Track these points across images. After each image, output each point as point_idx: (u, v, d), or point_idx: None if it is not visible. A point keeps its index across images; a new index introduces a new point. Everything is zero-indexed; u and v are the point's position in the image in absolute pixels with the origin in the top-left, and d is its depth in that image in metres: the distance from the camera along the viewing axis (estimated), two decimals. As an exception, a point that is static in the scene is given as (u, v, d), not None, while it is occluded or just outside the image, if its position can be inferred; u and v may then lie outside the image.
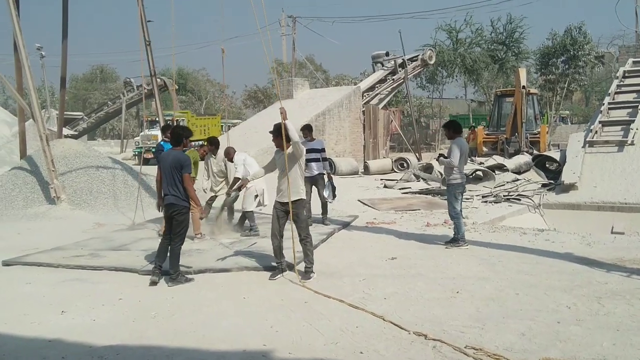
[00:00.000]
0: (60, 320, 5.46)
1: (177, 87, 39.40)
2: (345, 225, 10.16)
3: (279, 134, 6.58)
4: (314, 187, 9.99)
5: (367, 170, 20.77)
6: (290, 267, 6.87)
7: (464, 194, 8.93)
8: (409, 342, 4.62)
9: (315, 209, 10.32)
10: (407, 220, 10.68)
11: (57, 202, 12.28)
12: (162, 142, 9.96)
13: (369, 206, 12.82)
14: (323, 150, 10.01)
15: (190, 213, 7.41)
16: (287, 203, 6.57)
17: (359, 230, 9.79)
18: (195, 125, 35.30)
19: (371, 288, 6.14)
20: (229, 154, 10.11)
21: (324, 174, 10.01)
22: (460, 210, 8.29)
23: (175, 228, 6.58)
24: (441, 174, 17.10)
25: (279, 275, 6.72)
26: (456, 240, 8.14)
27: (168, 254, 6.67)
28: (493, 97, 25.42)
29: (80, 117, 37.84)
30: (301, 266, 6.85)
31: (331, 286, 6.26)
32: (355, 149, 23.04)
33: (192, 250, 8.08)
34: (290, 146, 6.56)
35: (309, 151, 8.98)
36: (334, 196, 9.95)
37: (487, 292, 5.91)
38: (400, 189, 15.64)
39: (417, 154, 25.41)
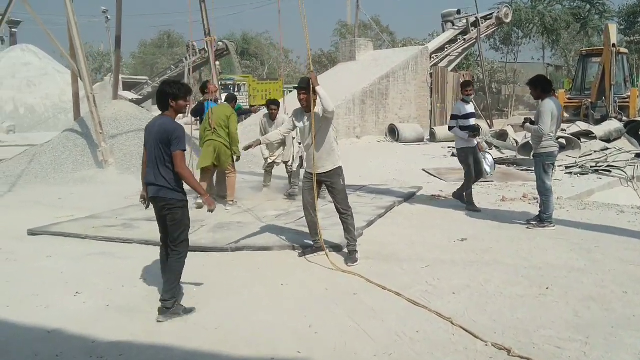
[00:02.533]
0: (70, 303, 4.71)
1: (237, 49, 38.76)
2: (407, 197, 9.01)
3: (310, 89, 5.50)
4: (471, 160, 8.13)
5: (433, 138, 19.32)
6: (317, 248, 5.92)
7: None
8: (487, 357, 3.52)
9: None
10: (478, 194, 9.37)
11: (105, 166, 11.76)
12: (203, 101, 9.20)
13: (434, 176, 11.56)
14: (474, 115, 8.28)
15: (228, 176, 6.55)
16: (325, 173, 5.65)
17: (422, 203, 8.63)
18: (257, 90, 34.68)
19: (436, 278, 5.03)
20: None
21: (479, 143, 8.29)
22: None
23: (171, 232, 4.47)
24: (516, 142, 15.53)
25: (310, 255, 5.81)
26: (541, 219, 6.85)
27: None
28: (577, 57, 23.06)
29: (145, 81, 37.91)
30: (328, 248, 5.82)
31: (387, 273, 5.21)
32: (421, 115, 21.56)
33: (233, 223, 7.21)
34: (318, 106, 5.51)
35: (469, 116, 7.86)
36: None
37: (585, 289, 4.68)
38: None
39: (488, 121, 23.62)
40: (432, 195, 9.23)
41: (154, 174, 4.39)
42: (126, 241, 6.59)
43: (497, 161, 13.30)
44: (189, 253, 4.96)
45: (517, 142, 15.40)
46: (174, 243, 4.50)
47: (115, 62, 16.23)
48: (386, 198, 8.79)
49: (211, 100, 9.17)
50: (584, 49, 22.91)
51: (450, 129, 8.20)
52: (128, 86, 37.39)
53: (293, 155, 9.18)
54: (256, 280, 5.14)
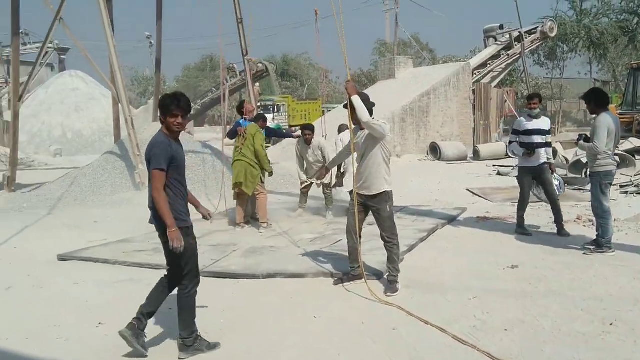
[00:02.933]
0: (91, 335, 4.45)
1: (276, 69, 38.90)
2: (451, 219, 8.52)
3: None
4: (528, 181, 7.59)
5: (476, 156, 18.71)
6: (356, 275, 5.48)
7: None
8: (547, 410, 3.04)
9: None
10: (528, 215, 8.78)
11: (142, 188, 11.67)
12: (239, 121, 9.00)
13: (479, 196, 11.00)
14: (549, 132, 7.47)
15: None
16: (369, 196, 5.18)
17: (467, 226, 8.12)
18: (296, 110, 34.66)
19: (486, 311, 4.55)
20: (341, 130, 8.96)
21: (550, 164, 7.55)
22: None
23: (169, 263, 4.12)
24: (566, 159, 14.78)
25: (347, 283, 5.38)
26: (599, 244, 6.27)
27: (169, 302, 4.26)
28: (627, 71, 22.08)
29: (186, 103, 38.39)
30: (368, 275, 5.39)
31: (430, 305, 4.76)
32: (463, 132, 20.95)
33: (265, 247, 6.88)
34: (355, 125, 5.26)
35: (531, 132, 7.25)
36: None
37: (656, 326, 4.13)
38: (516, 176, 13.55)
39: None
40: (478, 217, 8.70)
41: (149, 197, 3.96)
42: (155, 267, 6.32)
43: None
44: (219, 280, 4.67)
45: (567, 160, 14.65)
46: (176, 276, 4.07)
47: (155, 84, 16.32)
48: (428, 220, 8.32)
49: (246, 120, 8.97)
50: (634, 62, 21.88)
51: (509, 144, 7.67)
52: (170, 109, 37.92)
53: (332, 178, 8.85)
54: (287, 312, 4.78)
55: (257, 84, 31.48)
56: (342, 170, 8.83)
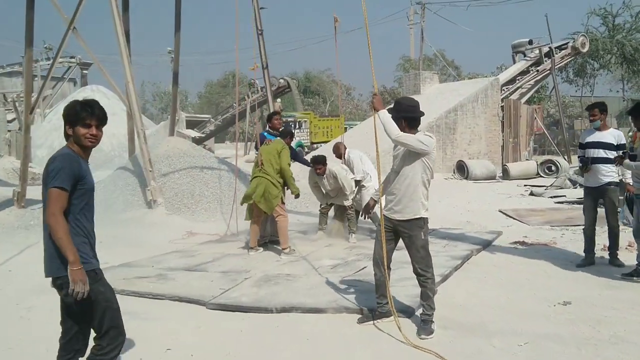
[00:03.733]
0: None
1: (298, 85, 38.49)
2: (486, 244, 7.73)
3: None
4: (589, 203, 6.63)
5: (506, 175, 17.84)
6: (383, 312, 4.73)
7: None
8: None
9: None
10: (570, 240, 7.99)
11: (154, 206, 11.08)
12: (263, 133, 8.38)
13: (514, 219, 10.18)
14: (620, 146, 6.30)
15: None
16: (401, 221, 4.44)
17: (504, 252, 7.32)
18: (318, 127, 34.14)
19: (542, 363, 3.77)
20: (338, 150, 8.38)
21: (616, 184, 6.46)
22: None
23: (77, 321, 3.18)
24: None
25: (373, 321, 4.64)
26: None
27: None
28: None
29: (208, 119, 38.19)
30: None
31: (473, 352, 3.99)
32: (491, 150, 20.07)
33: (281, 275, 6.15)
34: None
35: (590, 145, 6.40)
36: None
37: None
38: (552, 197, 12.71)
39: (565, 156, 21.82)
40: (516, 242, 7.89)
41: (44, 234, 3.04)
42: (156, 297, 5.66)
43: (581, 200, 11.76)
44: (227, 314, 3.89)
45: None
46: (99, 336, 3.12)
47: (173, 98, 15.83)
48: (461, 245, 7.54)
49: (270, 133, 8.35)
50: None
51: (578, 158, 6.86)
52: (192, 124, 37.77)
53: (355, 200, 8.16)
54: (300, 357, 4.05)
55: (279, 100, 31.07)
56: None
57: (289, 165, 7.57)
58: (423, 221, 4.43)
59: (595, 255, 6.58)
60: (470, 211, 11.20)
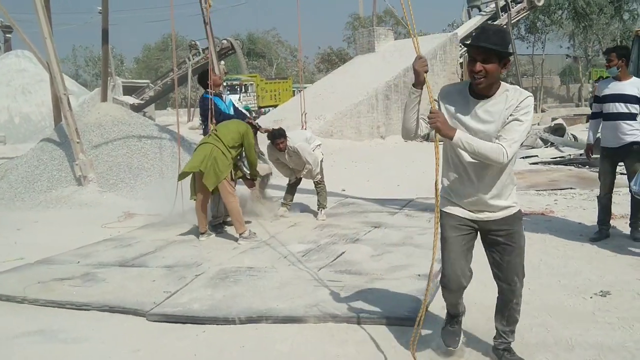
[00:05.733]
0: None
1: (242, 47, 36.59)
2: (476, 216, 6.68)
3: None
4: (607, 166, 5.52)
5: (468, 135, 16.99)
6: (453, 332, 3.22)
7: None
8: None
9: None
10: (568, 208, 7.07)
11: (84, 182, 9.55)
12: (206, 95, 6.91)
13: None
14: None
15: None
16: (487, 221, 2.95)
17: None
18: (265, 90, 32.53)
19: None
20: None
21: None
22: None
23: None
24: (574, 137, 13.17)
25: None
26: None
27: None
28: (632, 39, 20.55)
29: (146, 84, 35.84)
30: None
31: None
32: (451, 110, 19.13)
33: (242, 270, 4.90)
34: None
35: (614, 98, 5.23)
36: None
37: None
38: (523, 157, 11.87)
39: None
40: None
41: None
42: (81, 307, 4.33)
43: (561, 161, 10.99)
44: (174, 327, 2.66)
45: (575, 138, 13.05)
46: None
47: (103, 58, 13.98)
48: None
49: (216, 94, 6.96)
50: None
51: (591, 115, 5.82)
52: (129, 90, 35.38)
53: (322, 172, 6.97)
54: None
55: (222, 62, 29.20)
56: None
57: (255, 152, 6.35)
58: (521, 212, 3.02)
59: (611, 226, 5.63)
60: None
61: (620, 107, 5.21)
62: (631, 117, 5.18)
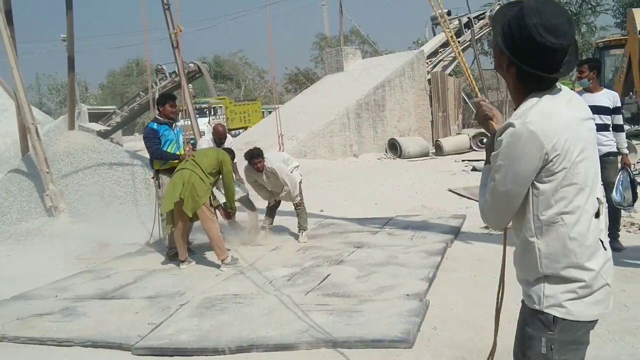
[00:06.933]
0: None
1: (209, 69, 36.40)
2: (456, 232, 6.74)
3: None
4: None
5: (439, 151, 17.23)
6: None
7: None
8: None
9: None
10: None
11: (55, 213, 9.29)
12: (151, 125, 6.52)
13: (469, 198, 9.31)
14: (616, 110, 5.37)
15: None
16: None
17: (479, 240, 6.35)
18: (235, 112, 32.46)
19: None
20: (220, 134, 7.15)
21: (616, 154, 5.45)
22: None
23: None
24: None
25: None
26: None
27: None
28: (593, 50, 21.17)
29: (112, 110, 35.38)
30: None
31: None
32: (421, 126, 19.35)
33: (227, 297, 4.81)
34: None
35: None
36: (635, 200, 5.28)
37: None
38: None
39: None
40: (487, 227, 6.96)
41: None
42: (63, 342, 4.18)
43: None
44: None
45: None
46: None
47: (69, 86, 13.77)
48: (430, 236, 6.51)
49: (160, 122, 6.47)
50: (600, 40, 20.92)
51: None
52: (95, 117, 34.91)
53: (301, 193, 6.93)
54: None
55: (190, 86, 29.01)
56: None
57: (232, 180, 6.26)
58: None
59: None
60: (418, 193, 10.27)
61: (595, 119, 5.31)
62: (605, 128, 5.29)
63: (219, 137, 7.51)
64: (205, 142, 7.60)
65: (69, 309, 4.85)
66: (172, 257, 6.30)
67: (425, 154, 16.98)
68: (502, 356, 3.36)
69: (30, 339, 4.28)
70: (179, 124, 7.53)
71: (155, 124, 6.43)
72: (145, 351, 3.91)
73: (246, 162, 6.74)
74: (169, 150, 6.39)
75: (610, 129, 5.32)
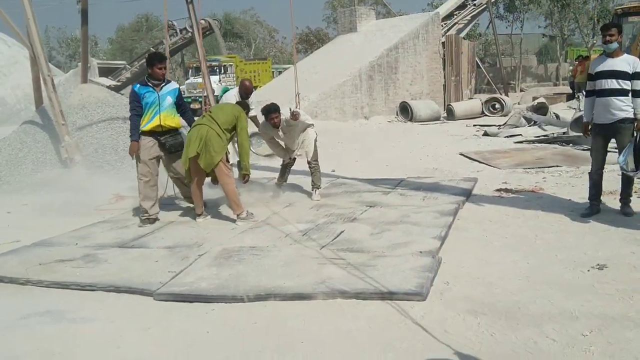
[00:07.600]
0: None
1: (220, 27, 35.97)
2: (467, 195, 6.81)
3: None
4: (599, 143, 5.61)
5: (450, 115, 17.16)
6: None
7: None
8: None
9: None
10: (557, 185, 7.23)
11: (70, 164, 9.44)
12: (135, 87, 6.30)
13: (479, 162, 9.36)
14: (635, 75, 5.23)
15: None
16: None
17: (491, 202, 6.44)
18: (245, 71, 32.19)
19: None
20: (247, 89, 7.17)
21: (632, 120, 5.34)
22: None
23: None
24: (556, 116, 13.39)
25: None
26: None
27: None
28: (611, 17, 20.77)
29: (123, 66, 35.20)
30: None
31: (525, 349, 3.01)
32: (434, 90, 19.24)
33: (244, 249, 4.95)
34: None
35: (607, 75, 5.28)
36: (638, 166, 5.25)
37: None
38: (508, 136, 12.05)
39: (502, 93, 21.43)
40: (499, 190, 7.05)
41: None
42: (86, 287, 4.35)
43: (545, 140, 11.18)
44: (182, 305, 2.70)
45: (557, 116, 13.27)
46: None
47: (83, 39, 13.68)
48: (442, 197, 6.59)
49: (145, 84, 6.22)
50: (619, 7, 20.45)
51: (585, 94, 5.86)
52: (105, 72, 34.64)
53: (316, 151, 6.98)
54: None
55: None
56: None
57: (247, 137, 6.22)
58: None
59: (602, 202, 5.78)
60: (429, 156, 10.32)
61: (613, 84, 5.31)
62: (623, 92, 5.28)
63: (245, 92, 7.55)
64: (232, 96, 7.63)
65: (90, 256, 5.01)
66: (144, 221, 6.13)
67: (437, 118, 16.94)
68: (512, 311, 3.50)
69: (53, 282, 4.44)
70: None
71: (139, 84, 6.23)
72: (167, 297, 4.05)
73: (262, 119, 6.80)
74: (148, 113, 6.12)
75: (630, 94, 5.31)
